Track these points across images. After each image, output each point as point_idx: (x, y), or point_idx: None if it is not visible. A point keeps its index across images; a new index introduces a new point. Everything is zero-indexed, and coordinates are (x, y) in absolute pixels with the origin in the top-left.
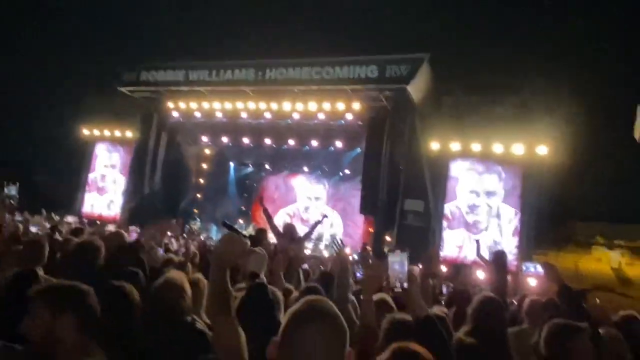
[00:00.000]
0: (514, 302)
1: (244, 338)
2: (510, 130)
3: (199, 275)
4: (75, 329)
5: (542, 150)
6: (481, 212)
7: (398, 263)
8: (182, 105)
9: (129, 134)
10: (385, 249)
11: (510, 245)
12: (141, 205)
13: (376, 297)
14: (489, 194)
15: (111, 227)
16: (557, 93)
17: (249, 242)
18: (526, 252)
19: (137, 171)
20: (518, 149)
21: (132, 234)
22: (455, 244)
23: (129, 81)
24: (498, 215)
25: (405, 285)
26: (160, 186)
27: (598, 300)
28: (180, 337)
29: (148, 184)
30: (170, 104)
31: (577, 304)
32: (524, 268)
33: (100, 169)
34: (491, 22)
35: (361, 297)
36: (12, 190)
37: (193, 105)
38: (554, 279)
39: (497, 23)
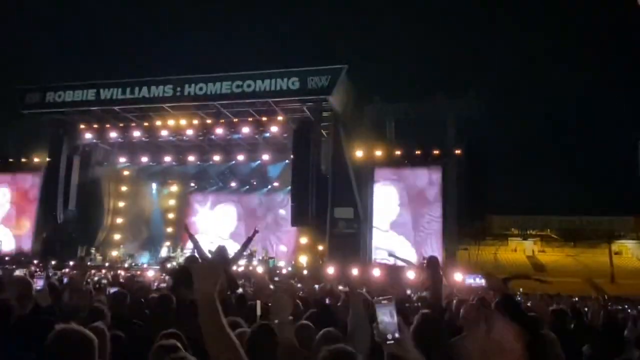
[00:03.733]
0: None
1: None
2: (428, 134)
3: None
4: None
5: (458, 150)
6: (405, 217)
7: (387, 314)
8: (95, 125)
9: (37, 159)
10: (319, 260)
11: (435, 244)
12: (55, 235)
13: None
14: (411, 198)
15: (18, 272)
16: (470, 96)
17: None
18: (449, 248)
19: (48, 199)
20: (436, 151)
21: (38, 281)
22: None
23: (33, 103)
24: (421, 217)
25: (397, 335)
26: (76, 213)
27: (522, 289)
28: None
29: (62, 212)
30: (82, 125)
31: (519, 312)
32: (467, 280)
33: (5, 201)
34: (405, 34)
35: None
36: None
37: (107, 125)
38: (496, 288)
39: (412, 36)
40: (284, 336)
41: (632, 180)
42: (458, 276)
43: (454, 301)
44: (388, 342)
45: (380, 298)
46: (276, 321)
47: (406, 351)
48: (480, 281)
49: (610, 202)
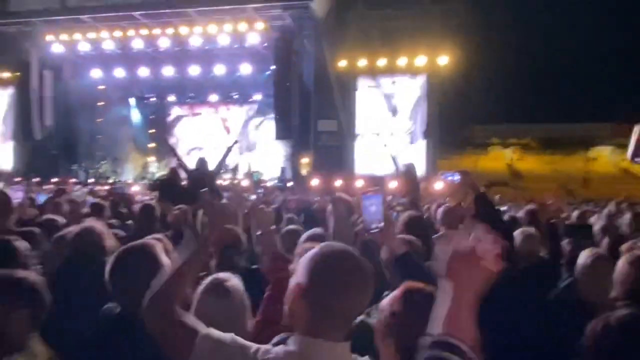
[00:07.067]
0: (428, 208)
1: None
2: (413, 43)
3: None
4: (27, 323)
5: (443, 60)
6: (392, 126)
7: (374, 205)
8: (63, 37)
9: (6, 74)
10: (303, 172)
11: (419, 152)
12: (35, 153)
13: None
14: (395, 107)
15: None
16: (458, 3)
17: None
18: (432, 156)
19: (23, 116)
20: (421, 60)
21: (18, 192)
22: (370, 159)
23: None
24: (404, 126)
25: (381, 225)
26: (54, 130)
27: (498, 197)
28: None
29: (39, 129)
30: (50, 37)
31: (493, 209)
32: (442, 177)
33: None
34: None
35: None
36: None
37: (77, 36)
38: (471, 186)
39: None
40: (267, 245)
41: (610, 88)
42: (438, 184)
43: (434, 206)
44: (372, 231)
45: (368, 189)
46: (258, 233)
47: (389, 239)
48: (455, 178)
49: (589, 110)
